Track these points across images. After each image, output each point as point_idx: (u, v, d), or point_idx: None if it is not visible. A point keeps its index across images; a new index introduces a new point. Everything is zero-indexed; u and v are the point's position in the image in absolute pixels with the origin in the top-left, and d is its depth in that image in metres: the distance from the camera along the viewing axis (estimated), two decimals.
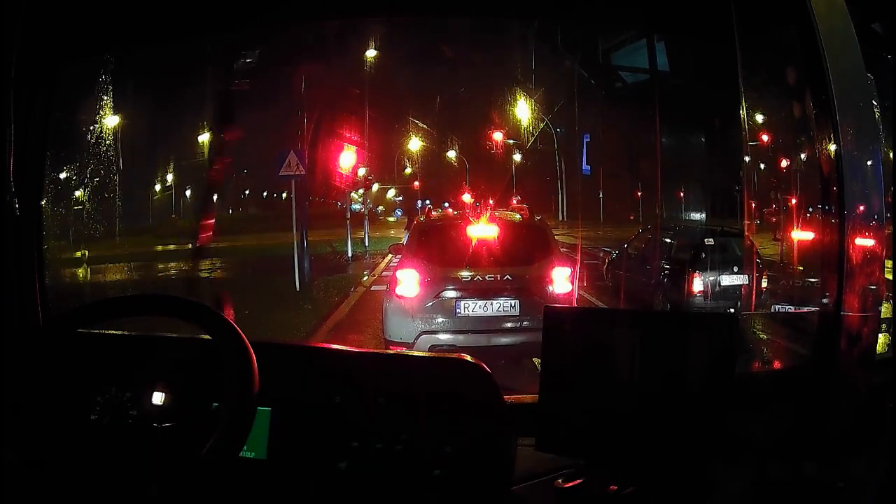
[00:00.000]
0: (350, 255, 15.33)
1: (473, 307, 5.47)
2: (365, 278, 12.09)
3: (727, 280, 7.48)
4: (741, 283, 7.38)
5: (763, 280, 7.40)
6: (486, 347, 5.30)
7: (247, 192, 31.74)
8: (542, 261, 5.70)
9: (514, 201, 14.62)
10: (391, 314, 5.74)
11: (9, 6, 1.40)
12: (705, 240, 8.01)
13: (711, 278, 7.42)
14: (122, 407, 1.31)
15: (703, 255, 7.59)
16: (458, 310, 5.48)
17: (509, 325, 5.47)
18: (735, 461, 1.27)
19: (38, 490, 1.03)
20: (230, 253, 16.03)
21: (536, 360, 1.44)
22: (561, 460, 1.28)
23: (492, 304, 5.47)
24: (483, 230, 5.97)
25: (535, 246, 5.87)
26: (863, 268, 1.26)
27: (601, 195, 24.77)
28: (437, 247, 5.92)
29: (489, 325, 5.47)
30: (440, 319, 5.51)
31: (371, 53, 16.09)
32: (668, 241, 8.75)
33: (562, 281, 5.60)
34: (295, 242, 10.93)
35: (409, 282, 5.59)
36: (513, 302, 5.46)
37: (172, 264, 15.21)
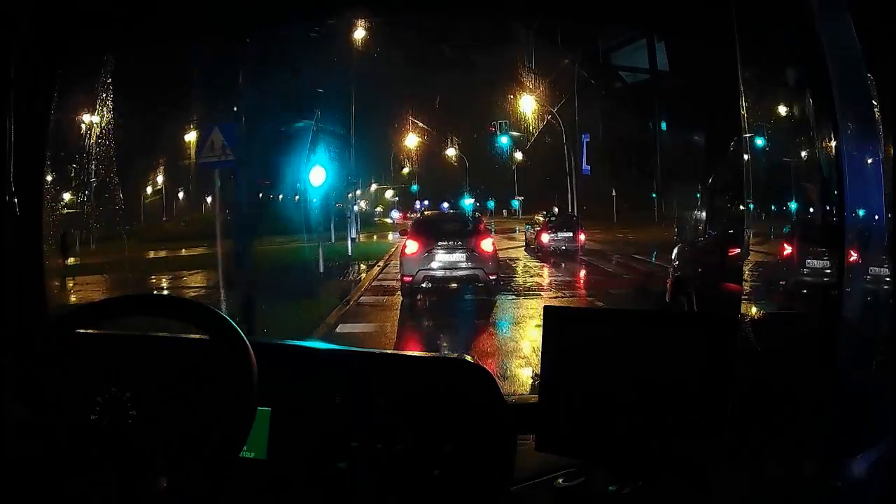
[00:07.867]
0: (322, 269, 12.05)
1: (446, 257, 10.55)
2: (337, 308, 8.66)
3: (560, 235, 16.38)
4: (567, 236, 16.39)
5: (581, 236, 16.75)
6: (451, 275, 10.42)
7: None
8: (478, 235, 11.20)
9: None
10: (404, 262, 10.65)
11: (9, 6, 1.40)
12: (551, 217, 18.21)
13: (551, 234, 16.45)
14: (122, 407, 1.31)
15: (549, 224, 17.02)
16: (437, 257, 10.50)
17: (462, 264, 10.53)
18: (735, 461, 1.27)
19: (38, 490, 1.03)
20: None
21: (536, 365, 1.44)
22: (561, 460, 1.28)
23: (453, 254, 10.56)
24: (450, 220, 13.49)
25: (475, 228, 11.82)
26: (863, 268, 1.26)
27: (614, 193, 23.37)
28: (425, 228, 11.54)
29: (452, 264, 10.52)
30: (428, 263, 10.43)
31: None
32: (540, 218, 18.49)
33: (488, 244, 10.89)
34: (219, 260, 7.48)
35: (412, 246, 10.66)
36: (464, 254, 10.59)
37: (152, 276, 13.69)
